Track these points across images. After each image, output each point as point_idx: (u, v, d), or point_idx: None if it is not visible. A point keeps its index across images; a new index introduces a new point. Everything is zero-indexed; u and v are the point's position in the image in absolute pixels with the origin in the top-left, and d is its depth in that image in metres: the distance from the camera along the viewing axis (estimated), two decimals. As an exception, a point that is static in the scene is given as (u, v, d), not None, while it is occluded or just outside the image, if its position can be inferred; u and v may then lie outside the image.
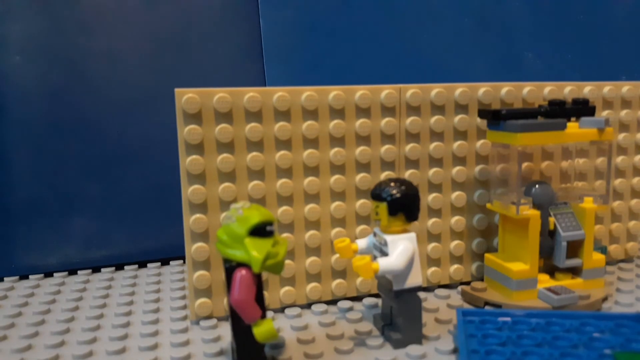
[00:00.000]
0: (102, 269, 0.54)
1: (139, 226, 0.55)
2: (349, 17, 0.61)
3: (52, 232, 0.53)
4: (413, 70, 0.63)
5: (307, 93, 0.41)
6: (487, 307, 0.43)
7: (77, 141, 0.53)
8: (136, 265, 0.55)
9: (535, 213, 0.42)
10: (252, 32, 0.58)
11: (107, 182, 0.54)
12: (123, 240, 0.55)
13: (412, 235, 0.36)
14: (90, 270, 0.54)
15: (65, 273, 0.53)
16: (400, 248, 0.35)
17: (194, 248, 0.41)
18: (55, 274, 0.53)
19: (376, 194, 0.36)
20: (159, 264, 0.55)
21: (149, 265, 0.55)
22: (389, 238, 0.36)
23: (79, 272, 0.54)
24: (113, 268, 0.54)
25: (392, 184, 0.36)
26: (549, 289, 0.42)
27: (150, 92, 0.55)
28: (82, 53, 0.53)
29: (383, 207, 0.36)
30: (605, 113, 0.50)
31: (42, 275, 0.53)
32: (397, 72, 0.62)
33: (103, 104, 0.54)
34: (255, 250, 0.31)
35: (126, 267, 0.55)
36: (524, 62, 0.69)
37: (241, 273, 0.31)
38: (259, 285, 0.32)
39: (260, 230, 0.32)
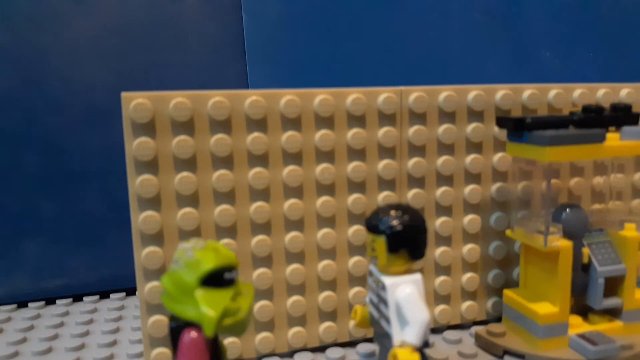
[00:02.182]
0: (57, 301, 0.47)
1: (100, 251, 0.48)
2: (344, 11, 0.53)
3: (-2, 258, 0.46)
4: (417, 71, 0.56)
5: (287, 97, 0.34)
6: (506, 357, 0.35)
7: (28, 153, 0.46)
8: (97, 296, 0.47)
9: (567, 244, 0.35)
10: (233, 27, 0.51)
11: (63, 200, 0.47)
12: (81, 267, 0.48)
13: (417, 277, 0.29)
14: (43, 302, 0.47)
15: (14, 306, 0.46)
16: (409, 306, 0.28)
17: (147, 288, 0.33)
18: (1, 307, 0.46)
19: (372, 225, 0.29)
20: (123, 294, 0.48)
21: (111, 295, 0.48)
22: (387, 281, 0.28)
23: (29, 304, 0.46)
24: (70, 299, 0.47)
25: (393, 213, 0.29)
26: (583, 337, 0.35)
27: (115, 97, 0.48)
28: (36, 52, 0.46)
29: (381, 242, 0.28)
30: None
31: (-14, 308, 0.46)
32: (398, 72, 0.55)
33: (59, 111, 0.46)
34: (208, 306, 0.24)
35: (85, 299, 0.47)
36: (540, 62, 0.62)
37: (190, 337, 0.24)
38: (214, 350, 0.25)
39: (217, 279, 0.24)
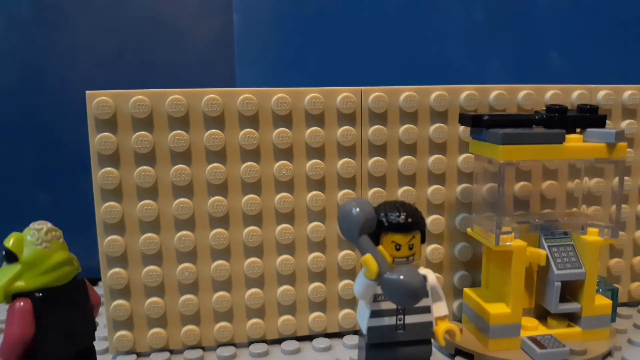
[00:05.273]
0: (52, 286, 0.50)
1: (94, 239, 0.50)
2: (338, 9, 0.54)
3: (-2, 244, 0.50)
4: (414, 72, 0.55)
5: (244, 96, 0.35)
6: (457, 358, 0.35)
7: (28, 146, 0.49)
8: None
9: (521, 245, 0.34)
10: (224, 27, 0.52)
11: (59, 190, 0.50)
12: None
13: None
14: (39, 287, 0.49)
15: (13, 288, 0.49)
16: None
17: (109, 274, 0.35)
18: (1, 289, 0.49)
19: (413, 223, 0.28)
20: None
21: (100, 283, 0.50)
22: (422, 271, 0.29)
23: (26, 288, 0.49)
24: (63, 285, 0.50)
25: (405, 205, 0.29)
26: (534, 339, 0.34)
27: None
28: (38, 50, 0.49)
29: (418, 236, 0.29)
30: (625, 123, 0.42)
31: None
32: (395, 73, 0.55)
33: (59, 106, 0.49)
34: None
35: (77, 284, 0.50)
36: (548, 63, 0.60)
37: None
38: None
39: None
